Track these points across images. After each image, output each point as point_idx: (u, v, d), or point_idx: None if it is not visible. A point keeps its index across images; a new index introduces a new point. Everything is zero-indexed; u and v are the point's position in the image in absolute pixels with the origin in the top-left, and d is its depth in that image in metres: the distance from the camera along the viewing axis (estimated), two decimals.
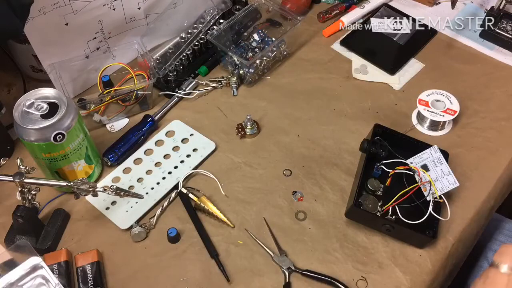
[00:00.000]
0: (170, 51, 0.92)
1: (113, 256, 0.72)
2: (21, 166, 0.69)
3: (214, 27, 0.92)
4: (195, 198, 0.76)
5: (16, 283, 0.61)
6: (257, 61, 0.91)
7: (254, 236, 0.73)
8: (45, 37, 0.80)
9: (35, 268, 0.62)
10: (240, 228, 0.74)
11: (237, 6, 0.97)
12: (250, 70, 0.90)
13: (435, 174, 0.72)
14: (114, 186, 0.71)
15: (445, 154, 0.75)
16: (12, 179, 0.67)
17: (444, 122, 0.83)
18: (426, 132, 0.85)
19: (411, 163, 0.74)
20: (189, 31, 0.91)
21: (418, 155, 0.74)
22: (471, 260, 0.81)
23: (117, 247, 0.73)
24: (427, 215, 0.68)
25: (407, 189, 0.70)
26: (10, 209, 0.71)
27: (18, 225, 0.71)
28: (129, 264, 0.71)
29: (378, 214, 0.71)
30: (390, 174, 0.73)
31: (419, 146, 0.76)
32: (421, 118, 0.85)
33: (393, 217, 0.70)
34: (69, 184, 0.69)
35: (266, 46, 0.93)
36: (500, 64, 0.94)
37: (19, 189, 0.69)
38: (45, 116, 0.68)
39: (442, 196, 0.70)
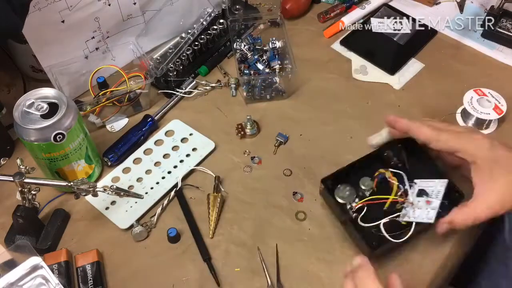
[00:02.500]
0: (170, 51, 0.92)
1: (113, 256, 0.72)
2: (21, 166, 0.69)
3: (215, 27, 0.92)
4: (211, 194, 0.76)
5: (16, 283, 0.61)
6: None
7: (262, 258, 0.71)
8: (41, 35, 0.79)
9: (35, 268, 0.62)
10: (240, 228, 0.74)
11: (237, 6, 0.96)
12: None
13: (424, 202, 0.68)
14: (114, 186, 0.71)
15: (461, 195, 0.69)
16: (12, 179, 0.67)
17: (490, 120, 0.82)
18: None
19: (415, 183, 0.71)
20: (189, 31, 0.91)
21: (426, 180, 0.70)
22: (471, 260, 0.80)
23: (117, 247, 0.73)
24: (375, 222, 0.67)
25: (382, 196, 0.69)
26: (10, 209, 0.71)
27: (18, 225, 0.71)
28: (129, 264, 0.71)
29: (348, 206, 0.70)
30: (375, 175, 0.71)
31: (437, 172, 0.71)
32: (466, 115, 0.84)
33: (354, 215, 0.70)
34: (69, 184, 0.69)
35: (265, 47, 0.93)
36: (500, 65, 0.94)
37: (19, 189, 0.69)
38: (45, 116, 0.67)
39: (407, 222, 0.68)
